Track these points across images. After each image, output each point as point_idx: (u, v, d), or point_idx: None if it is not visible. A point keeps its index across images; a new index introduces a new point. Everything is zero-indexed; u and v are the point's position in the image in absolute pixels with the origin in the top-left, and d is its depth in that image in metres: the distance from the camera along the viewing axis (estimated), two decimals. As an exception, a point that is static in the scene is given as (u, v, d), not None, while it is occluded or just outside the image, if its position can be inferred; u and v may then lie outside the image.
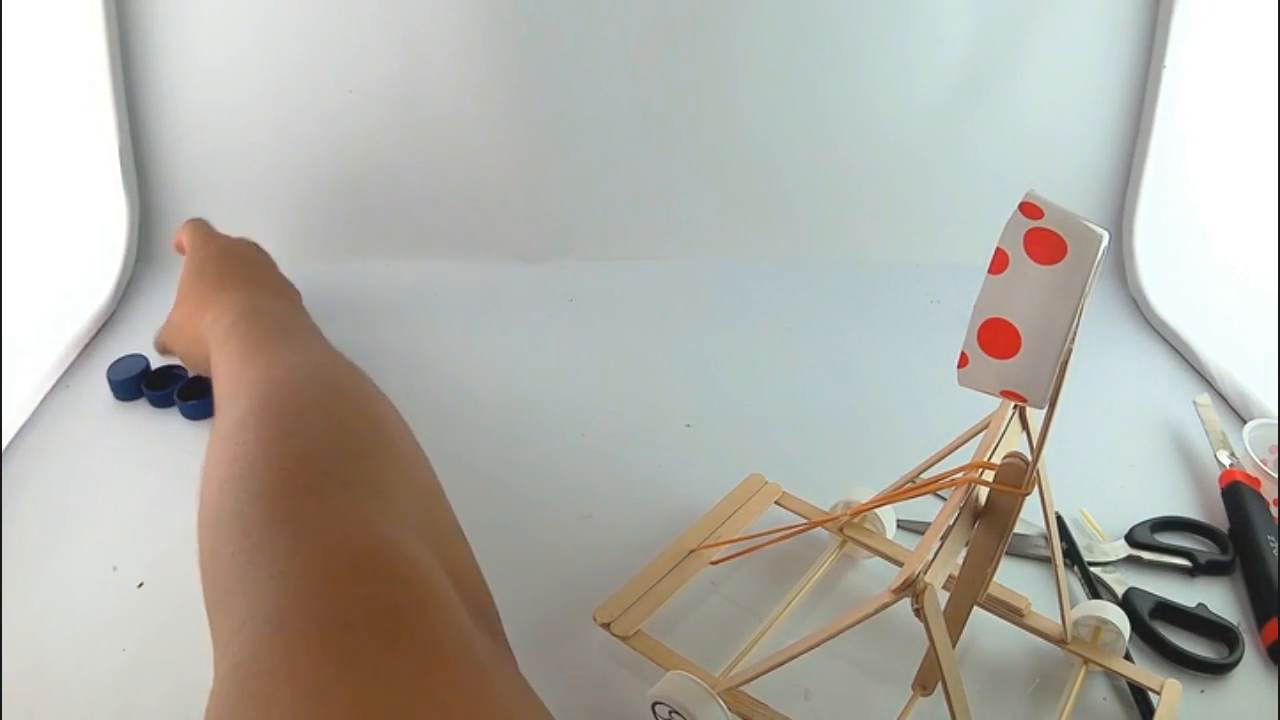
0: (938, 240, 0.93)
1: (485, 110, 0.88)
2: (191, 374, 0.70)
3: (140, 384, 0.69)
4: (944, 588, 0.41)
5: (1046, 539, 0.49)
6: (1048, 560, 0.58)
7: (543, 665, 0.50)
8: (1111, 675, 0.51)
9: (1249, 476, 0.63)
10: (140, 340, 0.76)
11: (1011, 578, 0.53)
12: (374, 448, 0.41)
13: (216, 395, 0.49)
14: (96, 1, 0.79)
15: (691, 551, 0.55)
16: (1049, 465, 0.42)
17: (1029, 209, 0.34)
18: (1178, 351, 0.81)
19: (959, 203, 0.93)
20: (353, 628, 0.28)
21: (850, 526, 0.57)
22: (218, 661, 0.30)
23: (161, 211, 0.88)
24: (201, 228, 0.70)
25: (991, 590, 0.51)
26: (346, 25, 0.85)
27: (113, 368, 0.70)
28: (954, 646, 0.41)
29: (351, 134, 0.88)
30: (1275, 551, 0.57)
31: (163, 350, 0.69)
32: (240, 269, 0.65)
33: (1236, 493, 0.62)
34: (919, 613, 0.38)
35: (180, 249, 0.70)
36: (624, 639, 0.49)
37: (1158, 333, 0.84)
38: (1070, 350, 0.35)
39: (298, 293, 0.68)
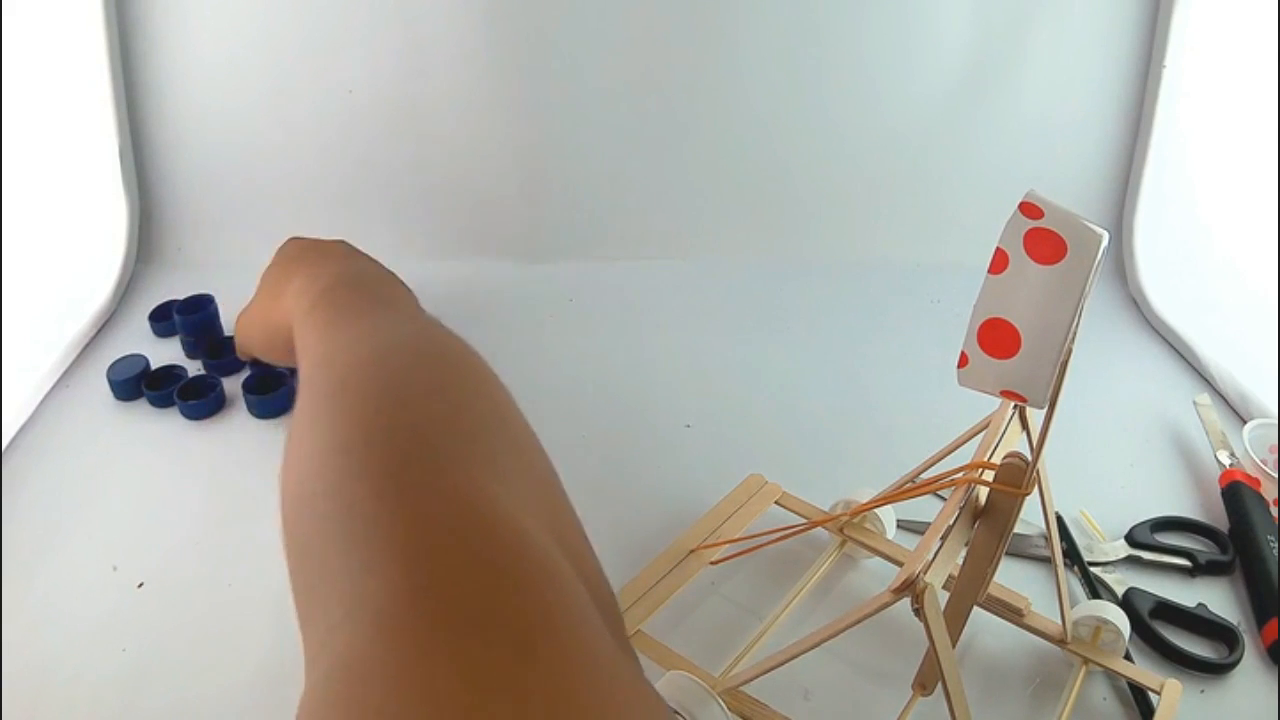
0: (938, 240, 0.92)
1: (485, 110, 0.88)
2: (279, 369, 0.68)
3: (140, 384, 0.69)
4: (944, 588, 0.41)
5: (1046, 539, 0.49)
6: (1048, 560, 0.58)
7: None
8: (1111, 675, 0.51)
9: (1249, 476, 0.63)
10: (140, 340, 0.76)
11: (1011, 578, 0.53)
12: (492, 426, 0.36)
13: (301, 370, 0.42)
14: (96, 1, 0.79)
15: (691, 551, 0.55)
16: (1049, 465, 0.42)
17: (1029, 209, 0.34)
18: (1178, 351, 0.81)
19: (959, 203, 0.93)
20: (494, 634, 0.24)
21: (850, 526, 0.57)
22: (313, 659, 0.26)
23: (161, 211, 0.88)
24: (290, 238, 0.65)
25: (991, 590, 0.51)
26: (346, 25, 0.84)
27: (113, 368, 0.70)
28: (954, 646, 0.41)
29: (351, 134, 0.88)
30: (1275, 551, 0.57)
31: (243, 354, 0.66)
32: (327, 246, 0.59)
33: (1236, 493, 0.62)
34: (919, 613, 0.38)
35: (243, 351, 0.67)
36: (624, 639, 0.49)
37: (1158, 333, 0.84)
38: (1070, 350, 0.35)
39: (395, 275, 0.61)
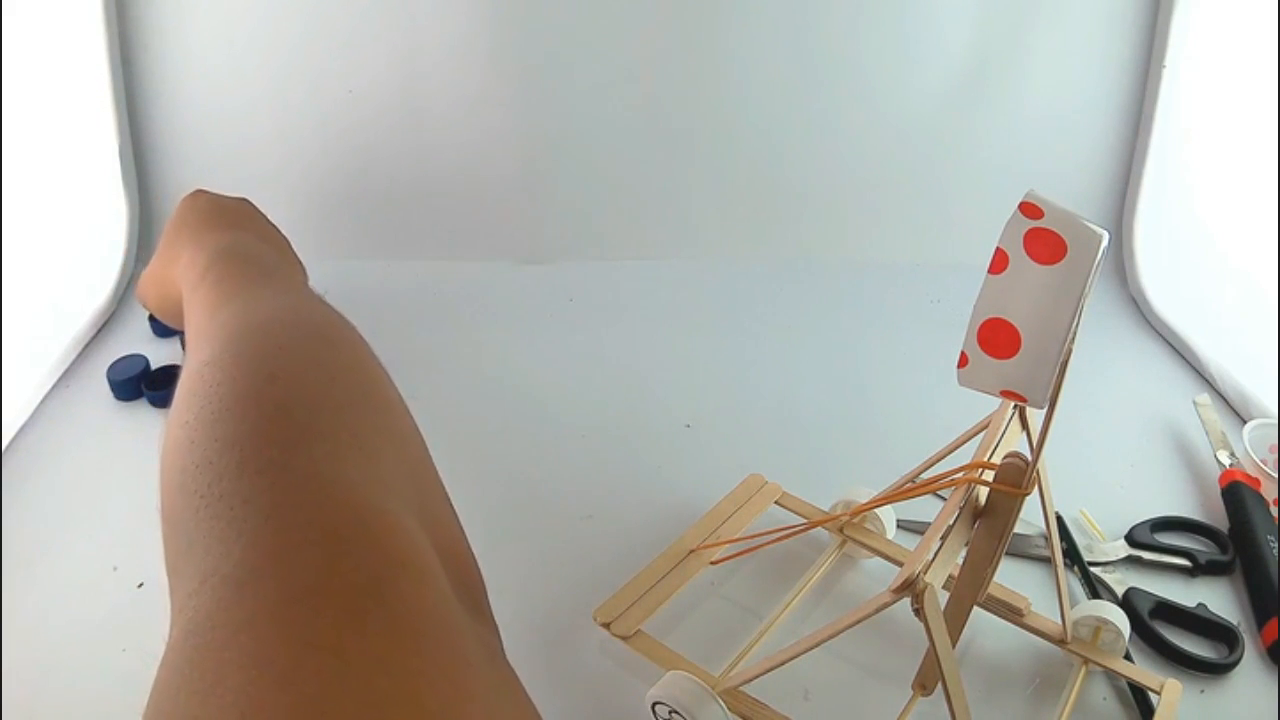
0: (938, 240, 0.93)
1: (485, 110, 0.88)
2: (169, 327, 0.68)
3: (140, 384, 0.69)
4: (944, 588, 0.41)
5: (1046, 539, 0.49)
6: (1048, 560, 0.58)
7: (543, 665, 0.50)
8: (1111, 675, 0.51)
9: (1249, 476, 0.63)
10: (140, 340, 0.76)
11: (1011, 578, 0.53)
12: (363, 404, 0.36)
13: (188, 341, 0.44)
14: (96, 1, 0.79)
15: (691, 551, 0.55)
16: (1049, 465, 0.42)
17: (1029, 209, 0.34)
18: (1178, 351, 0.81)
19: (959, 203, 0.93)
20: (322, 600, 0.25)
21: (850, 526, 0.57)
22: (172, 625, 0.27)
23: (161, 211, 0.88)
24: (193, 191, 0.65)
25: (991, 590, 0.51)
26: (346, 25, 0.85)
27: (113, 368, 0.70)
28: (954, 646, 0.41)
29: (351, 134, 0.88)
30: (1275, 551, 0.57)
31: (142, 302, 0.66)
32: (223, 216, 0.59)
33: (1236, 493, 0.62)
34: (919, 613, 0.38)
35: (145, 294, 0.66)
36: (624, 639, 0.49)
37: (1158, 333, 0.84)
38: (1070, 350, 0.35)
39: (287, 241, 0.62)
